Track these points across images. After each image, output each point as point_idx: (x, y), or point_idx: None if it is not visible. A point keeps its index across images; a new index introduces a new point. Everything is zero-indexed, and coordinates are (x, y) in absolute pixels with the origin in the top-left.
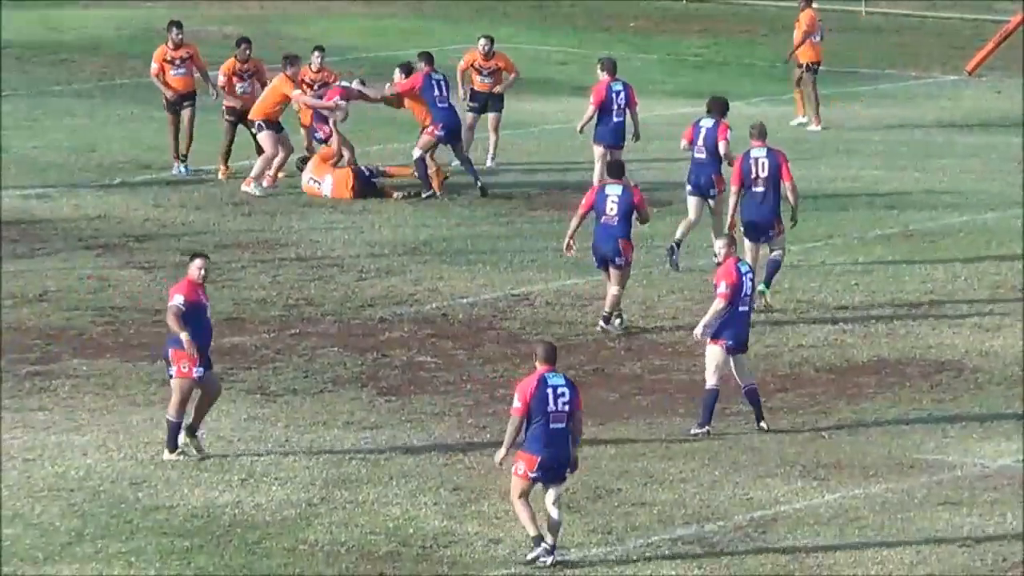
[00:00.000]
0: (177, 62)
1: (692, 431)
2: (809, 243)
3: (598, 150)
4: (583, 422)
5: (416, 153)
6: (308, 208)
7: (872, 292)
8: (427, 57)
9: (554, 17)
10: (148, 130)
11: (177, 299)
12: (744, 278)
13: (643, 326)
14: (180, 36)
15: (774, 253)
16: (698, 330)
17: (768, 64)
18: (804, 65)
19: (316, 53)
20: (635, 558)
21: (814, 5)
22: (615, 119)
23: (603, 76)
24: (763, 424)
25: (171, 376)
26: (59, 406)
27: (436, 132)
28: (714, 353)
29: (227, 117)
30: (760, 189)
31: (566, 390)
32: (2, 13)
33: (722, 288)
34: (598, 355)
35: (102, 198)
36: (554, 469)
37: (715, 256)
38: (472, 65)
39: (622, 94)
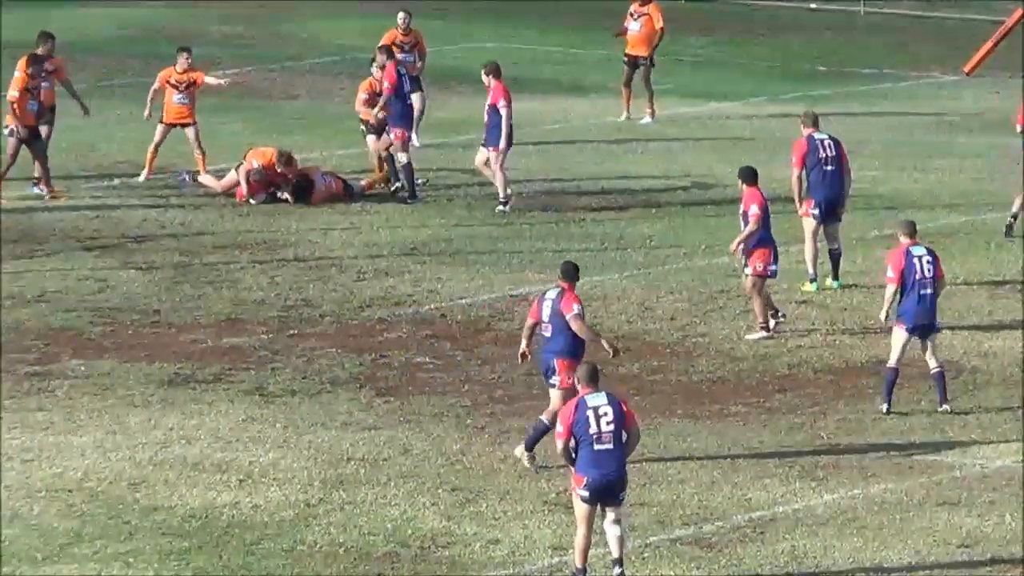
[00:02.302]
0: (43, 74)
1: (880, 407)
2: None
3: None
4: (638, 438)
5: (403, 158)
6: (306, 209)
7: (871, 292)
8: (389, 51)
9: (553, 16)
10: (147, 130)
11: (577, 308)
12: (918, 262)
13: (641, 327)
14: (50, 48)
15: (835, 245)
16: (882, 315)
17: (767, 64)
18: (649, 59)
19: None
20: (633, 559)
21: (812, 5)
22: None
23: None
24: (945, 407)
25: (553, 385)
26: (57, 407)
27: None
28: (896, 335)
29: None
30: (831, 168)
31: (608, 409)
32: (1, 13)
33: (889, 272)
34: (596, 355)
35: (101, 199)
36: (603, 490)
37: None
38: (393, 43)
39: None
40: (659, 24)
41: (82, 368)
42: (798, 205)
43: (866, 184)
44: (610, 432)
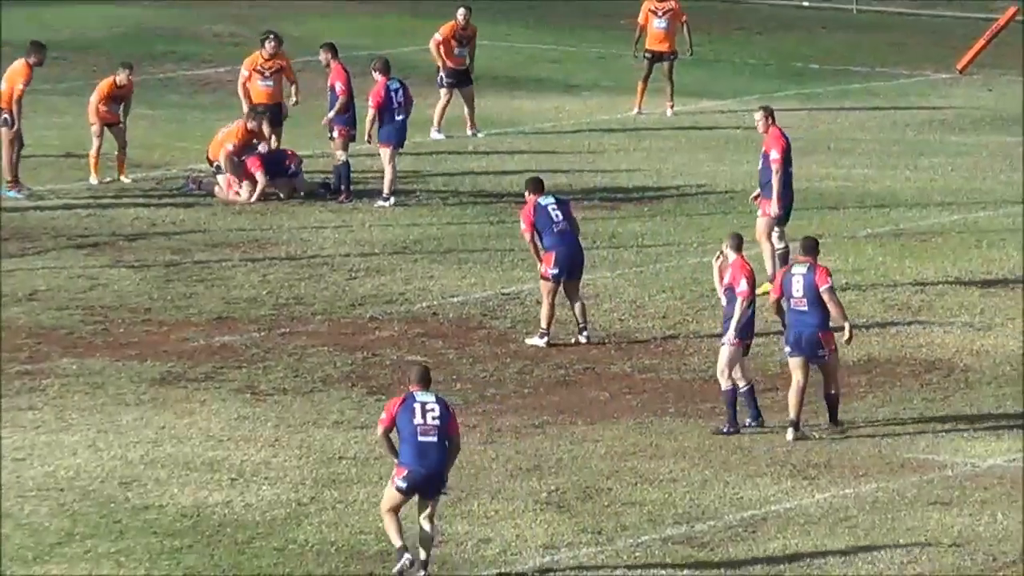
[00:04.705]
0: None
1: (723, 429)
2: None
3: (386, 152)
4: (458, 450)
5: (341, 156)
6: (298, 207)
7: (862, 291)
8: (334, 49)
9: (548, 15)
10: (138, 129)
11: (831, 281)
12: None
13: (633, 325)
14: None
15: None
16: (730, 335)
17: (762, 62)
18: (674, 54)
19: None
20: (625, 558)
21: (805, 3)
22: (397, 118)
23: (378, 77)
24: (751, 423)
25: (823, 359)
26: (48, 405)
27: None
28: (728, 352)
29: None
30: (792, 169)
31: (436, 406)
32: (1, 13)
33: (742, 286)
34: (588, 354)
35: (92, 197)
36: (423, 483)
37: None
38: (453, 35)
39: (400, 92)
40: (679, 20)
41: (73, 367)
42: (776, 204)
43: (857, 182)
44: (434, 426)
